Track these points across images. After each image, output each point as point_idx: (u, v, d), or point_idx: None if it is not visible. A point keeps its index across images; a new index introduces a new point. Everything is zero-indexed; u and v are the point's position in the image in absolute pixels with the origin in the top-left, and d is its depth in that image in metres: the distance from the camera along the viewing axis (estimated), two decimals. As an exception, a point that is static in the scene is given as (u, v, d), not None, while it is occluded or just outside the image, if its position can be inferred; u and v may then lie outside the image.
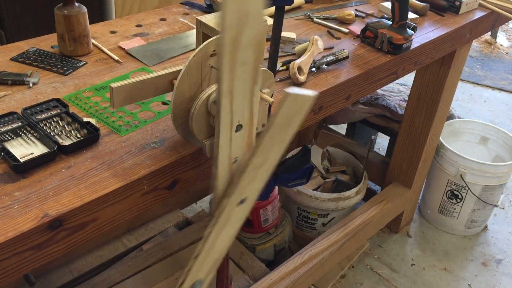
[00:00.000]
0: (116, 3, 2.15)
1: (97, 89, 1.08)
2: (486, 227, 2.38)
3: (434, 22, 1.57)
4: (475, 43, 4.21)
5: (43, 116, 0.95)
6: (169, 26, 1.39)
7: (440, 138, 2.13)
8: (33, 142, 0.89)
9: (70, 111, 0.97)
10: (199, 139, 0.88)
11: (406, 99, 2.12)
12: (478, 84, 3.67)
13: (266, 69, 0.96)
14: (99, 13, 2.18)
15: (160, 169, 0.88)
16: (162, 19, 1.43)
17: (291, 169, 1.23)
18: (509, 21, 1.89)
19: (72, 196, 0.79)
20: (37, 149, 0.87)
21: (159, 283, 1.67)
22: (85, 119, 0.95)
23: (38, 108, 0.97)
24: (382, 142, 2.85)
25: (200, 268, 0.81)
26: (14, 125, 0.92)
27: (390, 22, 1.36)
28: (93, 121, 0.96)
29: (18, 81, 1.06)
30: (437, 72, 1.87)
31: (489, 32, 4.15)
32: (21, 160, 0.83)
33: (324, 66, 1.22)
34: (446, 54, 1.67)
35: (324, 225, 2.05)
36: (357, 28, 1.45)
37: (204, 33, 1.00)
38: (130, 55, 1.22)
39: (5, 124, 0.92)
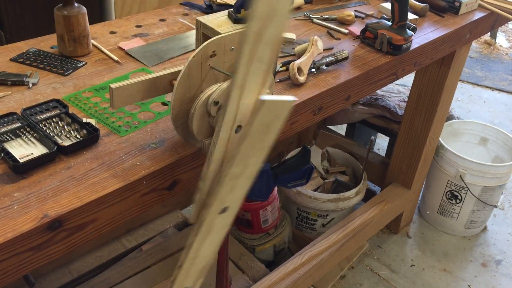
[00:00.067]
0: (116, 4, 2.15)
1: (96, 89, 1.08)
2: (485, 227, 2.38)
3: (434, 22, 1.57)
4: (474, 44, 4.21)
5: (43, 116, 0.95)
6: (168, 26, 1.39)
7: (440, 138, 2.14)
8: (33, 142, 0.89)
9: (70, 111, 0.97)
10: (199, 140, 0.88)
11: (406, 99, 2.12)
12: (477, 84, 3.67)
13: (266, 69, 0.96)
14: (98, 14, 2.18)
15: (159, 169, 0.88)
16: (161, 20, 1.43)
17: (291, 169, 1.23)
18: (509, 22, 1.89)
19: (72, 196, 0.79)
20: (37, 150, 0.87)
21: (158, 284, 1.67)
22: (84, 120, 0.95)
23: (37, 109, 0.97)
24: (381, 142, 2.85)
25: (186, 277, 0.81)
26: (14, 126, 0.92)
27: (389, 23, 1.36)
28: (92, 121, 0.96)
29: (17, 81, 1.06)
30: (436, 73, 1.87)
31: (489, 33, 4.15)
32: (21, 161, 0.83)
33: (323, 66, 1.22)
34: (446, 55, 1.67)
35: (324, 226, 2.05)
36: (356, 28, 1.45)
37: (203, 33, 1.00)
38: (130, 55, 1.22)
39: (5, 124, 0.92)
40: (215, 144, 0.75)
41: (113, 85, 0.84)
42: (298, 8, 1.59)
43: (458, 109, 3.32)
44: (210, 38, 0.89)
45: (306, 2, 1.62)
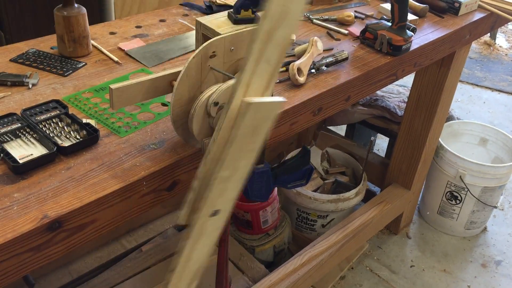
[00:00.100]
0: (116, 4, 2.15)
1: (96, 90, 1.08)
2: (485, 228, 2.38)
3: (434, 23, 1.57)
4: (474, 45, 4.21)
5: (43, 117, 0.95)
6: (168, 27, 1.39)
7: (440, 139, 2.14)
8: (33, 143, 0.89)
9: (70, 112, 0.97)
10: (199, 140, 0.88)
11: (406, 100, 2.12)
12: (477, 85, 3.67)
13: (266, 70, 0.96)
14: (98, 14, 2.18)
15: (159, 170, 0.88)
16: (161, 20, 1.43)
17: (291, 170, 1.23)
18: (508, 23, 1.89)
19: (72, 197, 0.79)
20: (37, 150, 0.87)
21: (158, 285, 1.67)
22: (84, 120, 0.95)
23: (37, 109, 0.97)
24: (381, 143, 2.85)
25: (179, 281, 0.80)
26: (14, 126, 0.92)
27: (389, 24, 1.36)
28: (92, 122, 0.96)
29: (17, 82, 1.06)
30: (436, 74, 1.87)
31: (489, 34, 4.15)
32: (21, 161, 0.83)
33: (323, 67, 1.22)
34: (446, 56, 1.67)
35: (324, 226, 2.05)
36: (356, 29, 1.45)
37: (203, 34, 1.00)
38: (130, 56, 1.22)
39: (5, 125, 0.92)
40: (214, 142, 0.75)
41: (113, 86, 0.84)
42: (298, 8, 1.59)
43: (458, 109, 3.32)
44: (210, 38, 0.89)
45: (306, 3, 1.62)
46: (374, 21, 1.45)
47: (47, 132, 0.91)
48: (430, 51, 1.48)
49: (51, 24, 1.19)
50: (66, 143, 0.89)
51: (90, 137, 0.91)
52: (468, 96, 3.52)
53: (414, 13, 1.59)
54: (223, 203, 0.74)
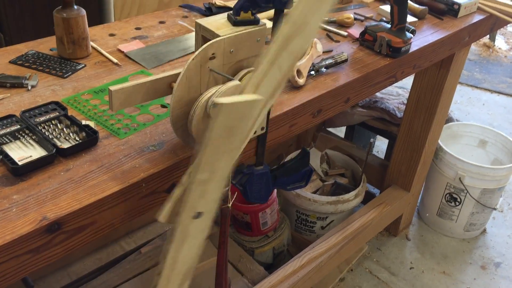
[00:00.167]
0: (115, 6, 2.15)
1: (96, 92, 1.08)
2: (485, 230, 2.38)
3: (433, 25, 1.57)
4: (473, 46, 4.21)
5: (42, 119, 0.95)
6: (168, 29, 1.39)
7: (439, 141, 2.14)
8: (32, 145, 0.89)
9: (69, 114, 0.97)
10: (198, 142, 0.88)
11: (405, 102, 2.12)
12: (476, 87, 3.68)
13: (265, 72, 0.96)
14: (98, 16, 2.18)
15: (158, 172, 0.88)
16: (161, 22, 1.43)
17: (290, 172, 1.23)
18: (508, 25, 1.89)
19: (71, 199, 0.79)
20: (36, 152, 0.87)
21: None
22: (83, 122, 0.95)
23: (36, 111, 0.97)
24: (381, 145, 2.85)
25: (168, 283, 0.80)
26: (13, 128, 0.92)
27: (389, 25, 1.36)
28: (91, 124, 0.96)
29: (16, 84, 1.06)
30: (435, 75, 1.87)
31: (488, 36, 4.16)
32: (20, 163, 0.82)
33: (323, 69, 1.22)
34: (445, 57, 1.68)
35: (323, 228, 2.05)
36: (356, 31, 1.45)
37: (203, 36, 1.00)
38: (129, 58, 1.22)
39: (4, 127, 0.92)
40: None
41: (112, 88, 0.83)
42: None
43: (457, 111, 3.32)
44: (210, 40, 0.89)
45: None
46: (374, 23, 1.46)
47: (46, 134, 0.91)
48: (430, 53, 1.48)
49: (51, 26, 1.19)
50: (65, 145, 0.89)
51: (89, 139, 0.90)
52: (467, 98, 3.53)
53: (414, 15, 1.59)
54: (205, 205, 0.73)
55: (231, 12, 0.99)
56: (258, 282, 1.66)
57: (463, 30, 1.59)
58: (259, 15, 0.99)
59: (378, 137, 2.62)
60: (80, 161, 0.87)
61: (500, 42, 4.40)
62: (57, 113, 0.97)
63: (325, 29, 1.47)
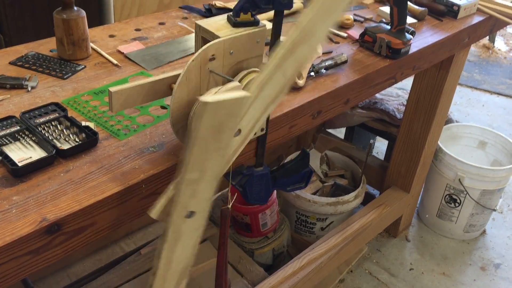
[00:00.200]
0: (115, 7, 2.15)
1: (95, 93, 1.08)
2: (484, 231, 2.38)
3: (433, 26, 1.57)
4: (473, 48, 4.22)
5: (42, 120, 0.95)
6: (168, 30, 1.39)
7: (439, 142, 2.14)
8: (32, 146, 0.89)
9: (69, 115, 0.97)
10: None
11: (405, 103, 2.12)
12: (476, 88, 3.68)
13: (265, 73, 0.96)
14: (98, 17, 2.18)
15: (158, 173, 0.88)
16: (161, 23, 1.43)
17: (290, 173, 1.23)
18: (507, 26, 1.90)
19: (71, 200, 0.79)
20: (36, 153, 0.87)
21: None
22: (83, 123, 0.95)
23: (36, 112, 0.97)
24: (380, 146, 2.85)
25: (163, 282, 0.80)
26: (13, 129, 0.92)
27: (388, 27, 1.36)
28: (91, 125, 0.96)
29: (16, 85, 1.06)
30: (435, 77, 1.87)
31: (487, 37, 4.16)
32: (19, 164, 0.83)
33: (323, 70, 1.22)
34: (445, 59, 1.68)
35: (323, 229, 2.05)
36: (355, 32, 1.45)
37: (203, 37, 1.00)
38: (129, 59, 1.22)
39: (4, 128, 0.92)
40: None
41: (112, 89, 0.84)
42: (297, 11, 1.59)
43: (457, 112, 3.32)
44: (209, 41, 0.89)
45: (305, 6, 1.63)
46: (373, 24, 1.46)
47: (46, 135, 0.91)
48: (429, 54, 1.48)
49: (51, 27, 1.19)
50: (65, 146, 0.89)
51: (89, 140, 0.90)
52: (467, 99, 3.53)
53: (413, 16, 1.59)
54: (197, 204, 0.73)
55: (231, 13, 0.99)
56: (258, 283, 1.66)
57: (462, 32, 1.59)
58: (259, 17, 0.99)
59: (378, 138, 2.62)
60: (80, 162, 0.87)
61: (499, 43, 4.41)
62: (57, 114, 0.97)
63: (325, 30, 1.47)
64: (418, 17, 1.59)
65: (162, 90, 0.90)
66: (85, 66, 1.18)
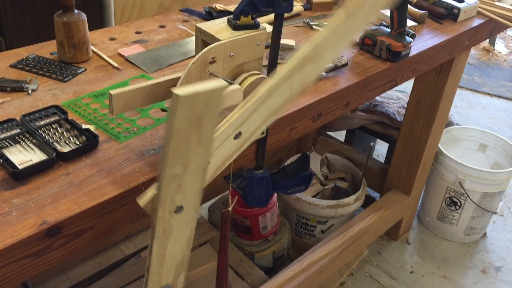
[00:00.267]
0: (116, 10, 2.16)
1: (96, 96, 1.08)
2: (485, 234, 2.38)
3: (433, 29, 1.58)
4: (473, 50, 4.22)
5: (42, 122, 0.95)
6: (168, 33, 1.39)
7: (439, 145, 2.14)
8: (32, 149, 0.89)
9: (69, 118, 0.97)
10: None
11: (405, 106, 2.12)
12: (476, 91, 3.68)
13: (265, 76, 0.96)
14: (98, 20, 2.18)
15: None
16: (161, 26, 1.43)
17: (290, 176, 1.23)
18: (507, 29, 1.90)
19: (71, 203, 0.79)
20: (36, 156, 0.87)
21: None
22: (84, 126, 0.95)
23: (37, 115, 0.97)
24: (381, 149, 2.85)
25: (158, 278, 0.79)
26: (13, 132, 0.92)
27: (388, 30, 1.36)
28: (92, 128, 0.96)
29: (17, 87, 1.06)
30: (435, 79, 1.87)
31: (487, 40, 4.16)
32: (20, 167, 0.83)
33: (323, 73, 1.22)
34: (445, 61, 1.68)
35: (323, 232, 2.05)
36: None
37: (203, 40, 1.00)
38: (129, 62, 1.22)
39: (4, 131, 0.92)
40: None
41: (112, 92, 0.84)
42: (298, 15, 1.59)
43: (457, 115, 3.32)
44: (210, 44, 0.89)
45: (305, 9, 1.63)
46: (373, 27, 1.46)
47: (47, 138, 0.91)
48: (429, 57, 1.48)
49: (51, 30, 1.20)
50: (66, 149, 0.89)
51: (90, 143, 0.91)
52: (467, 102, 3.53)
53: (413, 19, 1.59)
54: (184, 199, 0.71)
55: (231, 16, 0.99)
56: (258, 286, 1.66)
57: (462, 34, 1.59)
58: (259, 20, 0.99)
59: (378, 141, 2.62)
60: (80, 165, 0.87)
61: (499, 46, 4.41)
62: (58, 117, 0.97)
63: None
64: (418, 20, 1.60)
65: (162, 93, 0.90)
66: (85, 69, 1.18)
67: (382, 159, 2.69)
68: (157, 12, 2.24)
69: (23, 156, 0.87)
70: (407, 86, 2.15)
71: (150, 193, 0.73)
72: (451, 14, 1.64)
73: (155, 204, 0.70)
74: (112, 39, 1.33)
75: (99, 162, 0.89)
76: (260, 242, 1.86)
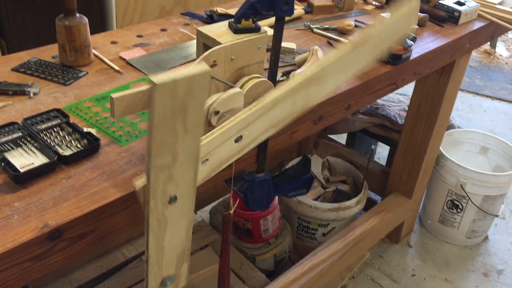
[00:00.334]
0: (117, 14, 2.16)
1: (97, 99, 1.08)
2: (487, 237, 2.37)
3: (434, 32, 1.58)
4: (474, 53, 4.22)
5: (44, 126, 0.95)
6: (169, 36, 1.40)
7: (440, 148, 2.14)
8: (33, 152, 0.89)
9: (71, 121, 0.98)
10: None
11: (406, 109, 2.12)
12: (477, 94, 3.68)
13: (266, 79, 0.96)
14: (100, 24, 2.19)
15: (160, 179, 0.87)
16: (162, 30, 1.43)
17: (291, 179, 1.23)
18: (508, 32, 1.90)
19: (72, 206, 0.79)
20: (37, 159, 0.87)
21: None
22: (85, 129, 0.96)
23: (38, 118, 0.97)
24: (382, 152, 2.85)
25: (159, 269, 0.78)
26: (15, 135, 0.92)
27: (389, 33, 1.36)
28: (93, 131, 0.96)
29: (18, 91, 1.06)
30: (436, 82, 1.87)
31: (488, 42, 4.16)
32: (21, 171, 0.83)
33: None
34: (446, 64, 1.68)
35: (325, 235, 2.04)
36: (356, 38, 1.45)
37: (204, 43, 1.00)
38: (131, 65, 1.23)
39: (6, 134, 0.92)
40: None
41: (114, 95, 0.84)
42: (299, 18, 1.60)
43: (459, 118, 3.32)
44: (211, 48, 0.89)
45: (306, 12, 1.63)
46: (374, 30, 1.46)
47: (48, 141, 0.91)
48: (430, 60, 1.48)
49: (53, 34, 1.20)
50: (67, 152, 0.89)
51: (91, 146, 0.91)
52: (468, 105, 3.53)
53: (414, 22, 1.59)
54: (177, 189, 0.70)
55: (232, 20, 0.99)
56: (260, 289, 1.66)
57: (463, 37, 1.59)
58: (260, 23, 0.99)
59: (379, 144, 2.62)
60: (81, 168, 0.87)
61: (501, 49, 4.41)
62: (59, 121, 0.97)
63: (326, 36, 1.47)
64: (419, 23, 1.60)
65: (163, 96, 0.90)
66: (87, 73, 1.18)
67: (383, 162, 2.69)
68: (159, 15, 2.25)
69: (25, 159, 0.87)
70: (408, 89, 2.15)
71: (142, 179, 0.72)
72: (452, 17, 1.64)
73: (147, 196, 0.69)
74: (113, 42, 1.33)
75: (101, 165, 0.89)
76: (261, 245, 1.86)
